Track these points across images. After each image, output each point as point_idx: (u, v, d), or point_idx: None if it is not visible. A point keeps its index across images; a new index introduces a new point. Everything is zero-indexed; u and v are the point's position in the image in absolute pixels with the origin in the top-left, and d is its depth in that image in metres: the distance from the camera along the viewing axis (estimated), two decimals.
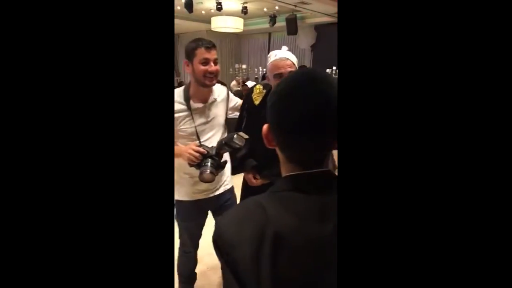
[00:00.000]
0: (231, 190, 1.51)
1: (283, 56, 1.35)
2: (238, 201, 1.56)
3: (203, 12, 6.40)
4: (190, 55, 1.24)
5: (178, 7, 5.87)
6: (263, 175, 1.48)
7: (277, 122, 0.51)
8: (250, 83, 4.94)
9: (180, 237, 1.49)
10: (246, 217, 0.49)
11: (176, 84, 5.95)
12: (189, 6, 5.46)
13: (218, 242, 0.48)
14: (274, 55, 1.38)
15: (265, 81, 1.68)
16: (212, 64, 1.23)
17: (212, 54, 1.24)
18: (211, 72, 1.23)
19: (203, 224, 1.48)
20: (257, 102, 1.49)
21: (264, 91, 1.51)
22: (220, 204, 1.44)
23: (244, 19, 6.05)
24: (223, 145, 1.20)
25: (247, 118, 1.51)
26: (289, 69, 1.33)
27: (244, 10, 5.77)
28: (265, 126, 0.53)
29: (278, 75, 1.33)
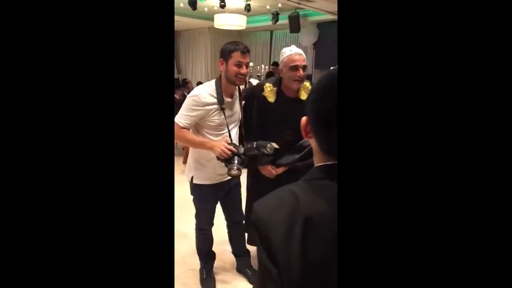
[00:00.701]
0: None
1: (298, 51, 1.57)
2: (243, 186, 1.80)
3: (206, 9, 6.41)
4: (226, 56, 1.44)
5: (181, 4, 5.88)
6: (279, 165, 1.64)
7: (317, 116, 0.56)
8: (253, 81, 4.96)
9: (197, 218, 1.70)
10: (280, 202, 0.54)
11: (180, 82, 5.95)
12: (192, 3, 5.47)
13: (256, 223, 0.52)
14: (289, 50, 1.57)
15: (273, 78, 1.77)
16: (244, 67, 1.44)
17: (246, 58, 1.45)
18: (242, 74, 1.44)
19: (217, 203, 1.71)
20: (271, 100, 1.63)
21: (275, 88, 1.63)
22: (231, 186, 1.68)
23: (247, 16, 6.06)
24: (253, 149, 1.37)
25: (260, 115, 1.62)
26: (303, 63, 1.55)
27: (248, 8, 5.78)
28: (304, 119, 0.58)
29: (294, 67, 1.53)
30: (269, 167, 1.65)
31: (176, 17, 7.06)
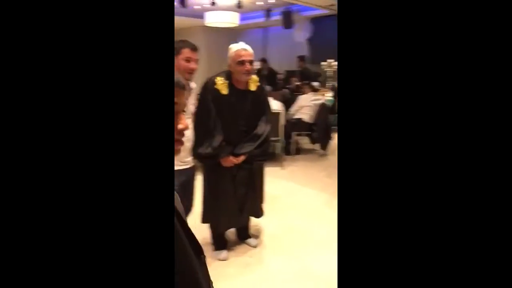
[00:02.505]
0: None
1: (244, 47, 1.71)
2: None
3: (197, 7, 6.32)
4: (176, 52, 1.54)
5: (175, 3, 5.79)
6: (238, 154, 1.75)
7: None
8: None
9: None
10: None
11: None
12: (182, 1, 5.39)
13: None
14: (236, 46, 1.72)
15: (223, 72, 1.84)
16: (193, 62, 1.53)
17: (195, 55, 1.53)
18: (191, 69, 1.53)
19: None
20: (225, 92, 1.72)
21: (227, 81, 1.73)
22: (188, 176, 1.69)
23: (239, 13, 5.96)
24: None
25: (215, 107, 1.70)
26: (249, 58, 1.68)
27: (239, 4, 5.68)
28: None
29: (241, 62, 1.67)
30: (231, 158, 1.74)
31: None
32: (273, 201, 2.71)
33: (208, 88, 1.73)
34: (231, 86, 1.75)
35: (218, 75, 1.79)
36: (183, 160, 1.62)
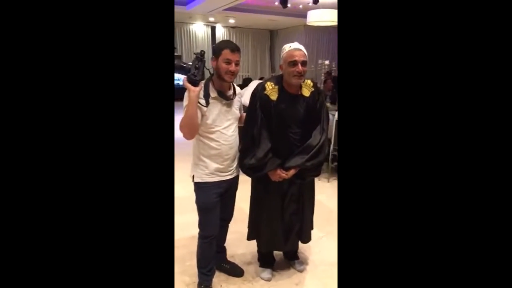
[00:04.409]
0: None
1: (298, 47, 1.55)
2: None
3: (300, 6, 6.22)
4: (217, 53, 1.47)
5: (276, 3, 5.83)
6: (288, 167, 1.58)
7: None
8: None
9: (200, 223, 1.63)
10: None
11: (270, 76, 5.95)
12: (283, 1, 5.36)
13: None
14: (289, 46, 1.56)
15: (275, 76, 1.70)
16: (233, 64, 1.44)
17: (235, 56, 1.44)
18: (231, 71, 1.45)
19: (219, 205, 1.64)
20: (274, 98, 1.57)
21: (276, 86, 1.58)
22: (230, 185, 1.62)
23: None
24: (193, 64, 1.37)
25: (264, 114, 1.56)
26: (302, 58, 1.51)
27: None
28: None
29: (293, 62, 1.51)
30: (279, 171, 1.58)
31: (272, 16, 7.07)
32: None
33: (257, 94, 1.58)
34: (282, 91, 1.58)
35: (269, 79, 1.64)
36: (227, 170, 1.55)
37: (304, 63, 1.52)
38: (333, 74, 6.82)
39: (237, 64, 1.45)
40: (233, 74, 1.45)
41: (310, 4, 5.71)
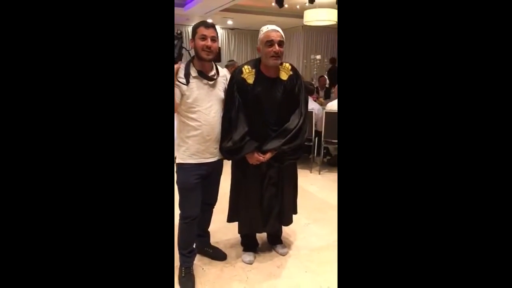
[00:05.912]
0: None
1: (274, 28, 1.56)
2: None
3: (297, 6, 6.25)
4: (193, 33, 1.50)
5: (273, 4, 5.86)
6: (265, 150, 1.57)
7: None
8: None
9: (180, 204, 1.62)
10: None
11: None
12: (279, 1, 5.38)
13: None
14: (266, 28, 1.56)
15: (252, 60, 1.68)
16: (209, 39, 1.44)
17: (210, 32, 1.46)
18: (207, 47, 1.45)
19: (199, 188, 1.62)
20: (250, 81, 1.56)
21: (253, 70, 1.57)
22: (213, 169, 1.62)
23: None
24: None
25: (241, 98, 1.55)
26: (279, 39, 1.51)
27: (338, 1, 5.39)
28: None
29: (269, 42, 1.51)
30: (256, 154, 1.58)
31: (270, 17, 7.10)
32: (327, 210, 2.46)
33: (234, 77, 1.57)
34: (259, 74, 1.56)
35: (246, 63, 1.63)
36: (210, 152, 1.55)
37: (281, 43, 1.51)
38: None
39: (213, 40, 1.45)
40: (210, 50, 1.45)
41: (307, 4, 5.73)
